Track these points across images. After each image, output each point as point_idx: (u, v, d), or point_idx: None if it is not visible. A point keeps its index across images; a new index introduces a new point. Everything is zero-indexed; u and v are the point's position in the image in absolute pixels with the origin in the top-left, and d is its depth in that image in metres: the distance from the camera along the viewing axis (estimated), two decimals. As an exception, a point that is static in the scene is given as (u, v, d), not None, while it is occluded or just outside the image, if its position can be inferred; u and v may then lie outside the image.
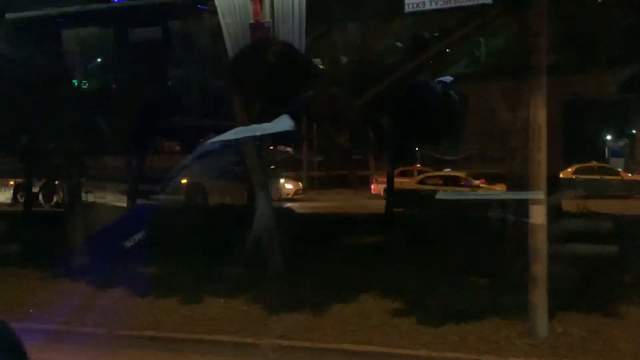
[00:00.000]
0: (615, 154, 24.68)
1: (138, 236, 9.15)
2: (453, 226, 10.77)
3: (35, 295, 8.48)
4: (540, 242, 6.31)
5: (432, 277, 8.17)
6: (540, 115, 6.21)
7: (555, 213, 7.58)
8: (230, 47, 8.56)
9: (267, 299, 7.73)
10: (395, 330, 6.73)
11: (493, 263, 8.06)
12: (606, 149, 24.87)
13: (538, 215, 6.26)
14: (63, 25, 11.38)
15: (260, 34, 8.43)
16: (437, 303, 7.20)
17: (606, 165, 22.99)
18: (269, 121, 7.90)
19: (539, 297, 6.35)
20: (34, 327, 6.82)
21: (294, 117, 7.73)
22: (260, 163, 9.62)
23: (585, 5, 9.49)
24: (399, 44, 12.53)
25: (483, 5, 7.88)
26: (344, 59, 12.66)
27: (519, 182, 8.11)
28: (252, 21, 8.41)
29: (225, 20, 8.45)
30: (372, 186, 23.25)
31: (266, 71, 8.34)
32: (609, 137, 24.28)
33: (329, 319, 7.17)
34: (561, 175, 16.50)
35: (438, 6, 7.76)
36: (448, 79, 13.55)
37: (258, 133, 8.40)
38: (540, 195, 6.27)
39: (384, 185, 19.89)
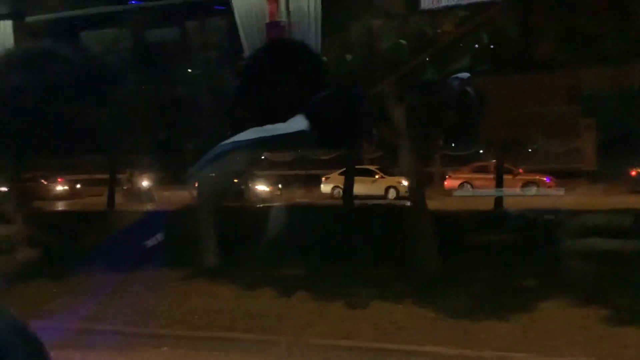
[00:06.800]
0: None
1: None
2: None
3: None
4: None
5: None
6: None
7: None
8: (246, 46, 8.60)
9: (447, 306, 7.15)
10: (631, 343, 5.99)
11: None
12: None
13: None
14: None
15: (276, 34, 8.45)
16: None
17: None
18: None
19: None
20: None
21: (310, 116, 7.68)
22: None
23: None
24: (403, 41, 12.45)
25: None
26: (360, 56, 12.60)
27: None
28: (267, 21, 8.45)
29: (241, 20, 8.49)
30: (446, 182, 20.82)
31: (281, 71, 8.36)
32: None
33: (538, 327, 6.44)
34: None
35: (454, 2, 7.71)
36: (465, 75, 13.42)
37: (273, 133, 8.39)
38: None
39: (460, 181, 18.98)
